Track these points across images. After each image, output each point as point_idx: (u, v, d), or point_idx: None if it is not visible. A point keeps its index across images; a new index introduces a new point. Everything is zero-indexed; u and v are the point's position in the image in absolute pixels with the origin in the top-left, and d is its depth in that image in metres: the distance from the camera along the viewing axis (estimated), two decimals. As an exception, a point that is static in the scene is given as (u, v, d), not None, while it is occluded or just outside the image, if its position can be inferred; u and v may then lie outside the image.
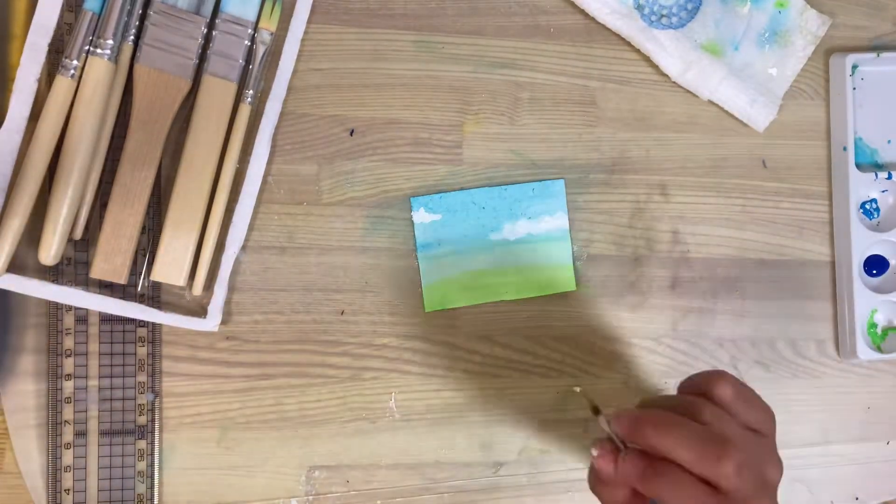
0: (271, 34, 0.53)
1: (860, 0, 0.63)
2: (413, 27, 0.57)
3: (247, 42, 0.53)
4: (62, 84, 0.49)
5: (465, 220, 0.57)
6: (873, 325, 0.62)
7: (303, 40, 0.55)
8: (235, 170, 0.53)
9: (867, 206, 0.63)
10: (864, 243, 0.61)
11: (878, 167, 0.62)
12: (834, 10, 0.62)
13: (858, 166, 0.61)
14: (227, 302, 0.54)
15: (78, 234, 0.51)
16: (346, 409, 0.56)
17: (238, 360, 0.55)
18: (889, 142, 0.63)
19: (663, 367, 0.60)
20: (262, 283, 0.55)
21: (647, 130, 0.60)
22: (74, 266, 0.52)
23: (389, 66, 0.57)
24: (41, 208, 0.50)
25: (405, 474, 0.56)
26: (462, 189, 0.57)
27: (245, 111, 0.53)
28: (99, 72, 0.50)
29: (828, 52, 0.62)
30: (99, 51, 0.50)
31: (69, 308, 0.52)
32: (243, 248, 0.54)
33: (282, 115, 0.55)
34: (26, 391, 0.52)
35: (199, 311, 0.54)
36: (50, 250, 0.50)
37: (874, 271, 0.63)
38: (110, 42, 0.50)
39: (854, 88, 0.62)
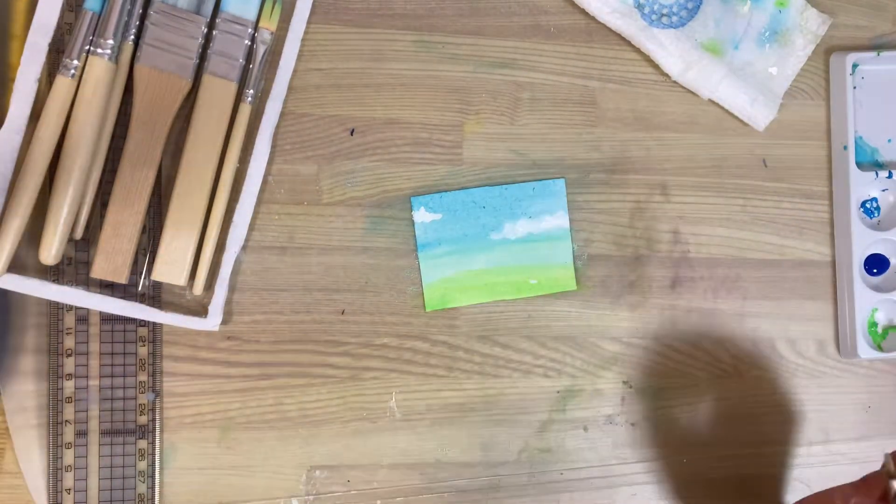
0: (271, 34, 0.54)
1: (860, 0, 0.63)
2: (413, 27, 0.57)
3: (247, 42, 0.53)
4: (62, 84, 0.50)
5: (466, 219, 0.57)
6: (874, 325, 0.63)
7: (303, 40, 0.55)
8: (236, 169, 0.53)
9: (868, 205, 0.63)
10: (864, 242, 0.61)
11: (878, 166, 0.63)
12: (834, 9, 0.62)
13: (859, 165, 0.61)
14: (228, 302, 0.54)
15: (78, 233, 0.52)
16: (347, 408, 0.56)
17: (238, 360, 0.55)
18: (889, 140, 0.63)
19: (663, 367, 0.60)
20: (262, 283, 0.55)
21: (648, 130, 0.60)
22: (75, 266, 0.52)
23: (389, 66, 0.57)
24: (42, 208, 0.50)
25: (405, 474, 0.57)
26: (462, 189, 0.57)
27: (245, 111, 0.53)
28: (99, 71, 0.50)
29: (827, 51, 0.62)
30: (99, 50, 0.50)
31: (70, 308, 0.52)
32: (244, 247, 0.54)
33: (282, 114, 0.55)
34: (27, 391, 0.52)
35: (200, 310, 0.54)
36: (51, 250, 0.50)
37: (874, 270, 0.63)
38: (111, 42, 0.50)
39: (854, 87, 0.62)
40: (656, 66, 0.59)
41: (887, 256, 0.63)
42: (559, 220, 0.58)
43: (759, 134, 0.61)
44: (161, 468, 0.53)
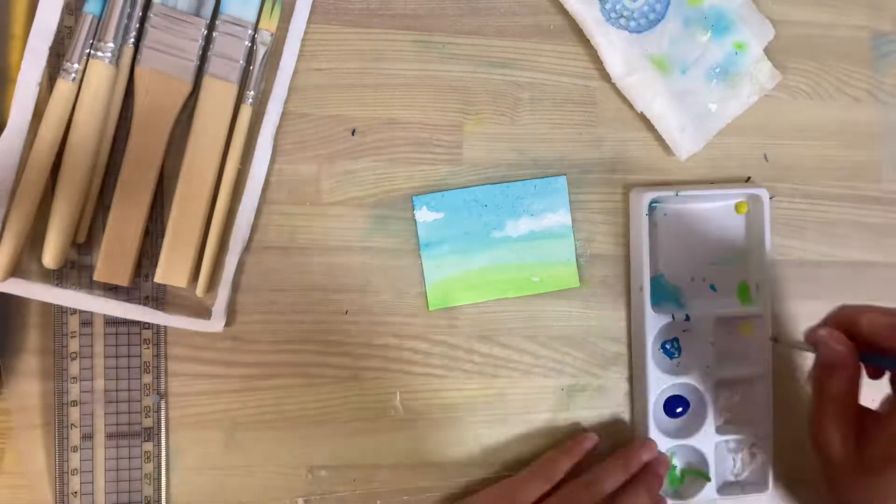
0: (271, 35, 0.54)
1: (860, 0, 0.63)
2: (413, 27, 0.57)
3: (247, 43, 0.53)
4: (63, 87, 0.50)
5: (468, 218, 0.58)
6: (673, 467, 0.61)
7: (303, 40, 0.55)
8: (237, 171, 0.54)
9: (668, 346, 0.61)
10: (662, 384, 0.59)
11: (680, 306, 0.60)
12: (833, 9, 0.63)
13: (659, 305, 0.59)
14: (230, 302, 0.55)
15: (81, 237, 0.52)
16: (347, 409, 0.56)
17: (239, 360, 0.55)
18: (692, 279, 0.61)
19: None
20: (263, 283, 0.56)
21: (648, 130, 0.60)
22: (78, 269, 0.53)
23: (389, 66, 0.57)
24: (44, 212, 0.50)
25: (405, 474, 0.57)
26: (460, 188, 0.58)
27: (246, 112, 0.53)
28: (100, 75, 0.50)
29: (827, 53, 0.63)
30: (100, 54, 0.50)
31: (73, 311, 0.53)
32: (245, 248, 0.55)
33: (282, 115, 0.55)
34: (31, 391, 0.53)
35: (204, 312, 0.54)
36: (53, 254, 0.50)
37: (678, 410, 0.61)
38: (111, 45, 0.50)
39: (656, 224, 0.60)
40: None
41: (688, 398, 0.61)
42: (561, 218, 0.59)
43: (759, 134, 0.62)
44: (167, 470, 0.54)
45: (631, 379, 0.60)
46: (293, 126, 0.56)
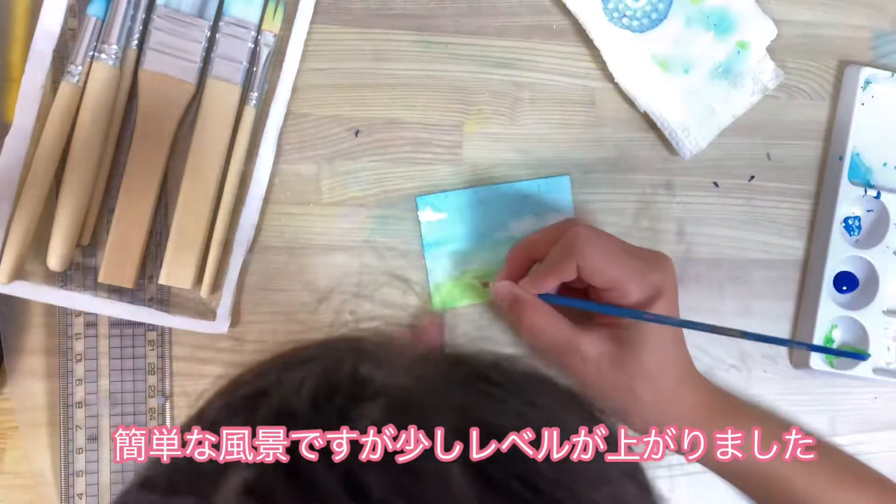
0: (275, 36, 0.56)
1: (860, 0, 0.65)
2: (414, 27, 0.59)
3: (250, 45, 0.55)
4: (67, 90, 0.52)
5: (471, 218, 0.59)
6: (830, 341, 0.64)
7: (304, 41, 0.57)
8: (241, 173, 0.56)
9: (850, 222, 0.66)
10: (839, 257, 0.63)
11: (868, 186, 0.64)
12: (834, 9, 0.64)
13: (850, 181, 0.63)
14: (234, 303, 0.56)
15: (86, 239, 0.54)
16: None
17: (240, 361, 0.55)
18: (885, 164, 0.65)
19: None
20: (264, 283, 0.57)
21: (649, 130, 0.62)
22: (83, 271, 0.55)
23: (390, 66, 0.59)
24: (49, 214, 0.53)
25: None
26: (465, 188, 0.60)
27: (250, 114, 0.56)
28: (103, 77, 0.53)
29: (828, 53, 0.65)
30: (103, 56, 0.53)
31: (78, 313, 0.55)
32: (248, 249, 0.57)
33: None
34: (35, 391, 0.55)
35: (208, 313, 0.56)
36: (58, 256, 0.52)
37: (844, 287, 0.65)
38: (114, 47, 0.53)
39: (863, 104, 0.64)
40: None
41: (857, 276, 0.65)
42: (564, 218, 0.60)
43: (760, 133, 0.63)
44: (173, 472, 0.56)
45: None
46: (293, 125, 0.58)
